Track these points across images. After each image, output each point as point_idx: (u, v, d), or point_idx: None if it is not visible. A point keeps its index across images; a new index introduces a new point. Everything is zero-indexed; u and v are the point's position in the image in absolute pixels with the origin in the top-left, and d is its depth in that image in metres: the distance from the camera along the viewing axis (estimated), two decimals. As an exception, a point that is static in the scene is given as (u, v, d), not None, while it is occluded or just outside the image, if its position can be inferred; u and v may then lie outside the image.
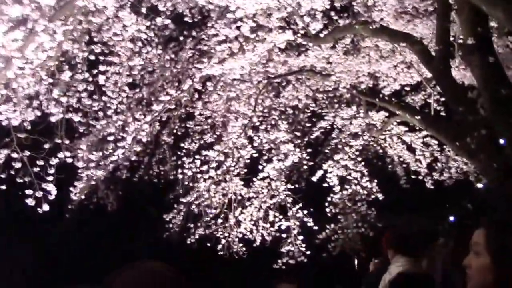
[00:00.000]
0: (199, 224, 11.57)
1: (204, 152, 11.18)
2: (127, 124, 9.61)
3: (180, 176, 11.27)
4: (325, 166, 12.26)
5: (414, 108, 10.94)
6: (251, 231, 12.27)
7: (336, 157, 12.03)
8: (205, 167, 11.13)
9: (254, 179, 12.19)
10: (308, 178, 12.66)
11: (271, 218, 12.27)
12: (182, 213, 11.51)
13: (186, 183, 11.40)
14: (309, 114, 12.63)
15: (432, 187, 12.48)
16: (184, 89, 10.37)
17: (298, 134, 12.35)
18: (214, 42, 9.76)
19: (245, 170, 12.14)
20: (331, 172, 12.09)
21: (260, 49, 9.21)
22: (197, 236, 11.63)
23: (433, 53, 8.17)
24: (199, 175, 11.23)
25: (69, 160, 8.13)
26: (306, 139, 12.61)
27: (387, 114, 11.75)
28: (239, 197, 12.20)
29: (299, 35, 8.96)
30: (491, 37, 7.38)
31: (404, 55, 10.31)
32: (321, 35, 9.07)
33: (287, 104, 11.95)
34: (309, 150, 12.46)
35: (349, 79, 10.69)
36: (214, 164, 11.22)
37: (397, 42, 9.05)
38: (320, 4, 8.15)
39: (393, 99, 10.97)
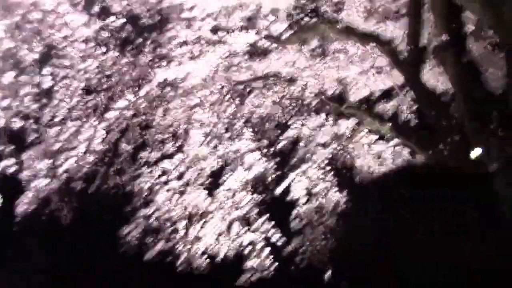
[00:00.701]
0: (158, 237, 10.93)
1: (164, 162, 10.59)
2: (80, 131, 9.00)
3: (138, 187, 10.64)
4: (291, 177, 11.72)
5: (383, 116, 10.48)
6: (213, 245, 11.67)
7: (303, 167, 11.49)
8: (164, 178, 10.54)
9: (218, 190, 11.60)
10: (274, 189, 12.08)
11: (235, 231, 11.69)
12: (140, 226, 10.84)
13: (145, 194, 10.78)
14: (276, 122, 12.06)
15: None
16: (143, 95, 9.81)
17: (264, 143, 11.80)
18: (174, 45, 9.24)
19: (208, 181, 11.56)
20: (297, 183, 11.54)
21: (221, 52, 8.69)
22: (156, 251, 10.97)
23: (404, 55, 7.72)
24: (158, 186, 10.63)
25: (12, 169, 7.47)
26: (272, 149, 12.04)
27: (356, 122, 11.25)
28: (201, 209, 11.61)
29: (262, 36, 8.44)
30: (466, 34, 6.92)
31: (374, 59, 9.84)
32: (285, 36, 8.54)
33: (253, 112, 11.39)
34: (276, 159, 11.91)
35: (316, 85, 10.19)
36: (174, 175, 10.64)
37: (366, 43, 8.59)
38: (283, 3, 7.65)
39: (362, 106, 10.49)
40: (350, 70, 10.13)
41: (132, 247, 10.74)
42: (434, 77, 9.40)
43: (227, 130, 11.29)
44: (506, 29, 5.58)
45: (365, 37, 8.39)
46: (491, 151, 6.00)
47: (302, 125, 11.91)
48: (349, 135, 11.53)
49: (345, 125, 11.39)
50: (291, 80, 10.32)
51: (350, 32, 8.29)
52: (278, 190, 11.67)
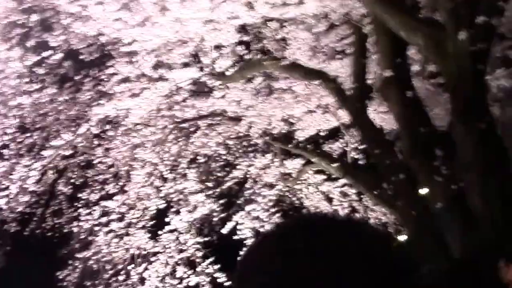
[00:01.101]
0: (97, 281, 10.45)
1: (103, 203, 10.19)
2: (11, 171, 8.57)
3: (76, 229, 10.19)
4: (236, 218, 11.41)
5: (331, 156, 10.29)
6: (157, 289, 11.26)
7: (248, 208, 11.21)
8: (104, 219, 10.14)
9: (161, 232, 11.22)
10: (220, 231, 11.73)
11: (179, 274, 11.29)
12: (77, 270, 10.36)
13: (83, 236, 10.33)
14: (222, 163, 11.79)
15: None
16: (80, 134, 9.45)
17: (210, 184, 11.51)
18: (114, 82, 8.94)
19: (151, 222, 11.18)
20: (242, 224, 11.24)
21: (163, 89, 8.42)
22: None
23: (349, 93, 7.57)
24: (97, 228, 10.20)
25: None
26: (218, 190, 11.75)
27: (303, 162, 11.06)
28: (144, 252, 11.20)
29: (204, 72, 8.20)
30: (410, 71, 6.78)
31: (320, 98, 9.69)
32: (229, 73, 8.32)
33: (197, 152, 11.09)
34: (222, 201, 11.62)
35: (261, 124, 9.97)
36: (115, 216, 10.25)
37: (310, 80, 8.42)
38: (227, 39, 7.44)
39: (309, 146, 10.28)
40: (295, 109, 9.94)
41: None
42: (380, 116, 9.30)
43: (170, 170, 10.94)
44: (449, 65, 5.46)
45: (310, 74, 8.21)
46: (434, 189, 5.84)
47: (249, 165, 11.67)
48: (296, 176, 11.31)
49: (292, 165, 11.18)
50: (236, 119, 10.08)
51: (294, 69, 8.10)
52: (225, 232, 11.35)
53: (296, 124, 10.50)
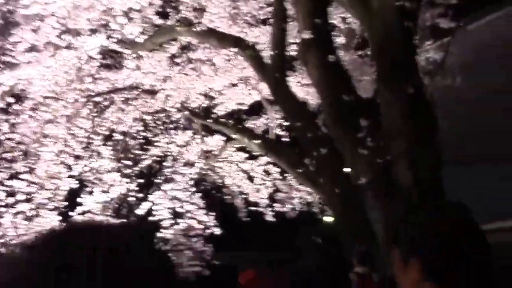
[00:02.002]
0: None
1: (10, 182, 9.45)
2: None
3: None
4: (155, 198, 10.85)
5: (253, 132, 9.87)
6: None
7: (165, 187, 10.68)
8: (11, 200, 9.41)
9: (74, 213, 10.56)
10: (137, 211, 11.14)
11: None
12: None
13: (-13, 218, 9.56)
14: (139, 139, 11.19)
15: (273, 219, 11.42)
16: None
17: (126, 162, 10.91)
18: (19, 51, 8.24)
19: (63, 204, 10.50)
20: (159, 204, 10.69)
21: (70, 58, 7.77)
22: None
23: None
24: (4, 209, 9.47)
25: None
26: (135, 168, 11.16)
27: (224, 138, 10.60)
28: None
29: (114, 40, 7.59)
30: (331, 33, 6.36)
31: (241, 71, 9.24)
32: (140, 40, 7.75)
33: (113, 128, 10.47)
34: (139, 180, 11.04)
35: (179, 98, 9.45)
36: (22, 197, 9.52)
37: (227, 47, 7.93)
38: (138, 3, 6.86)
39: (230, 122, 9.83)
40: (216, 82, 9.46)
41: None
42: (304, 90, 8.93)
43: (84, 147, 10.29)
44: (374, 22, 5.08)
45: (226, 40, 7.71)
46: (358, 163, 5.45)
47: (168, 142, 11.13)
48: (217, 153, 10.85)
49: (213, 142, 10.71)
50: (153, 92, 9.53)
51: (209, 35, 7.59)
52: (141, 213, 10.78)
53: (217, 98, 10.04)
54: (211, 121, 9.96)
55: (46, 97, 9.26)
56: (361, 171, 5.37)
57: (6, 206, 9.71)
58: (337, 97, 5.53)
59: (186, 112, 9.94)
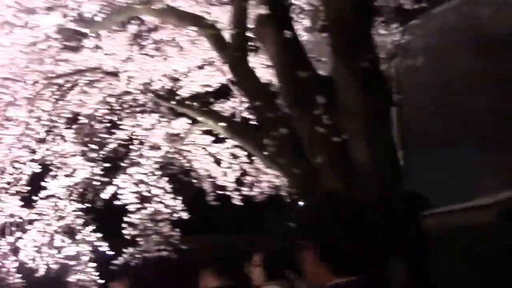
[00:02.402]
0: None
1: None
2: None
3: None
4: (120, 182, 10.66)
5: (219, 115, 9.69)
6: (33, 259, 10.40)
7: (130, 170, 10.49)
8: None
9: (36, 198, 10.36)
10: (102, 196, 10.93)
11: (57, 243, 10.49)
12: None
13: None
14: (104, 123, 10.96)
15: (241, 203, 11.28)
16: None
17: (90, 145, 10.70)
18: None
19: (25, 188, 10.28)
20: (124, 188, 10.51)
21: (24, 36, 7.54)
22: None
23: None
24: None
25: None
26: (100, 152, 10.94)
27: (190, 121, 10.41)
28: (18, 220, 10.31)
29: (70, 18, 7.36)
30: (289, 8, 6.19)
31: (206, 52, 9.03)
32: (98, 19, 7.53)
33: (76, 111, 10.23)
34: (104, 164, 10.83)
35: (142, 79, 9.24)
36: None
37: (186, 25, 7.75)
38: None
39: (195, 104, 9.65)
40: (179, 63, 9.26)
41: None
42: (267, 71, 8.74)
43: (46, 131, 10.06)
44: (332, 6, 4.94)
45: (186, 19, 7.51)
46: (315, 142, 5.30)
47: (134, 125, 10.92)
48: (182, 136, 10.66)
49: (179, 125, 10.52)
50: (115, 74, 9.30)
51: (169, 13, 7.37)
52: (106, 197, 10.59)
53: (181, 80, 9.85)
54: (176, 103, 9.76)
55: (4, 78, 9.01)
56: (318, 151, 5.23)
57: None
58: (294, 74, 5.37)
59: (150, 95, 9.72)
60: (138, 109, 11.02)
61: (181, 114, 10.31)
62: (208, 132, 10.73)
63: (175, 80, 9.78)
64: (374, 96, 4.64)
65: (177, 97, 9.74)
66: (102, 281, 10.59)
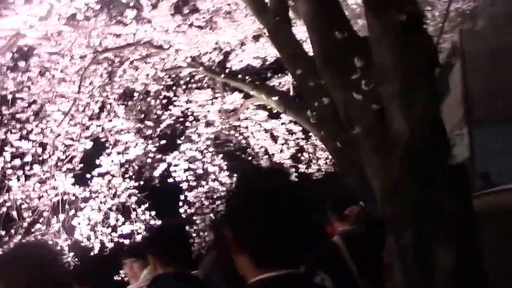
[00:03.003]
0: (13, 230, 9.42)
1: (18, 143, 9.11)
2: None
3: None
4: (174, 159, 10.39)
5: (271, 88, 9.23)
6: (87, 238, 10.27)
7: (183, 147, 10.19)
8: (21, 162, 9.09)
9: (90, 175, 10.21)
10: (154, 174, 10.68)
11: (112, 222, 10.31)
12: None
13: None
14: (156, 98, 10.71)
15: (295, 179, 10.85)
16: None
17: (147, 123, 10.47)
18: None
19: (78, 165, 10.14)
20: (177, 166, 10.23)
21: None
22: (10, 246, 9.46)
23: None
24: (12, 171, 9.14)
25: None
26: (155, 129, 10.71)
27: (242, 96, 10.03)
28: (72, 198, 10.17)
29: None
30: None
31: (255, 22, 8.57)
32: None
33: (128, 86, 9.98)
34: (157, 140, 10.59)
35: (192, 52, 8.90)
36: (35, 158, 9.17)
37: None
38: None
39: (247, 78, 9.24)
40: (230, 35, 8.86)
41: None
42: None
43: (99, 107, 9.88)
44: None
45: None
46: (352, 109, 4.74)
47: (187, 101, 10.62)
48: (236, 111, 10.28)
49: (233, 100, 10.14)
50: (165, 48, 8.99)
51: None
52: (157, 174, 10.34)
53: (233, 52, 9.46)
54: (226, 76, 9.38)
55: (52, 53, 8.84)
56: (355, 119, 4.69)
57: (18, 168, 9.38)
58: (329, 35, 4.82)
59: (201, 68, 9.37)
60: (191, 84, 10.74)
61: (236, 89, 9.93)
62: (263, 107, 10.32)
63: (226, 52, 9.40)
64: (414, 55, 4.04)
65: (230, 71, 9.36)
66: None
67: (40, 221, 9.66)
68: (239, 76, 9.28)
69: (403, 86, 4.03)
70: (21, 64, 8.96)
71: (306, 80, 5.85)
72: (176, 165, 10.30)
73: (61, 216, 9.73)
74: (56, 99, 9.51)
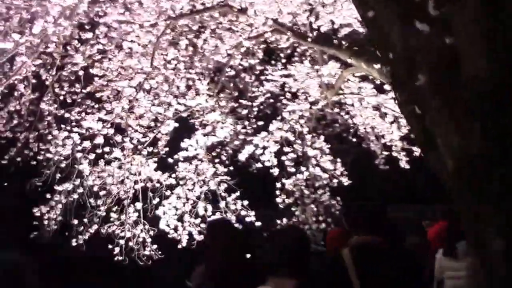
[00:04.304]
0: (86, 220, 8.54)
1: (86, 124, 8.22)
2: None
3: (54, 156, 8.29)
4: (268, 142, 9.09)
5: (373, 54, 7.66)
6: (174, 228, 9.23)
7: (272, 127, 8.87)
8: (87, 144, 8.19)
9: (174, 160, 9.15)
10: (246, 159, 9.39)
11: (201, 211, 9.19)
12: (60, 206, 8.42)
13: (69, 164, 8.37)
14: (243, 72, 9.48)
15: (407, 166, 9.19)
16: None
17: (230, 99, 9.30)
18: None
19: (162, 149, 9.14)
20: (265, 148, 8.91)
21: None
22: (86, 237, 8.63)
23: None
24: (79, 154, 8.25)
25: None
26: (245, 107, 9.51)
27: (339, 65, 8.57)
28: (157, 184, 9.17)
29: None
30: None
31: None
32: None
33: (210, 59, 8.81)
34: (247, 120, 9.39)
35: (271, 13, 7.57)
36: (101, 140, 8.24)
37: None
38: None
39: (344, 43, 7.78)
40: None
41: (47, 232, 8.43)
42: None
43: (179, 82, 8.78)
44: None
45: None
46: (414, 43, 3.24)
47: (282, 75, 9.30)
48: (334, 84, 8.79)
49: (329, 72, 8.70)
50: (244, 11, 7.73)
51: None
52: (242, 158, 9.09)
53: (321, 13, 8.02)
54: (319, 42, 7.97)
55: (118, 21, 7.86)
56: (418, 63, 3.20)
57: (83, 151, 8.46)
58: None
59: (289, 33, 8.00)
60: (283, 56, 9.44)
61: (332, 57, 8.50)
62: (366, 78, 8.78)
63: (315, 13, 7.98)
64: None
65: (316, 33, 7.94)
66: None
67: (115, 209, 8.73)
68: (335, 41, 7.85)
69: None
70: (88, 35, 8.07)
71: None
72: (265, 148, 8.99)
73: (138, 205, 8.76)
74: (133, 75, 8.52)
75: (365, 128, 9.70)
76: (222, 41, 8.58)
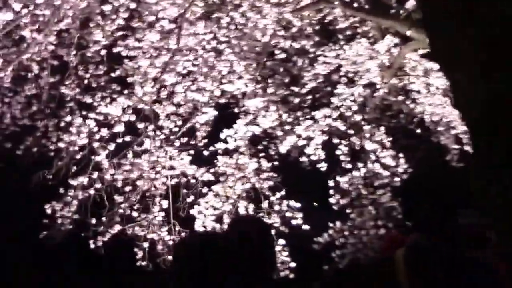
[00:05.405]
0: (104, 218, 7.58)
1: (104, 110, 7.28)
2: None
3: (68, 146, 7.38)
4: (299, 130, 7.92)
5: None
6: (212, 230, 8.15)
7: (318, 114, 7.66)
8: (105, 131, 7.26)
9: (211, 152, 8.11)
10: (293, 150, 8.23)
11: (241, 211, 8.09)
12: (76, 202, 7.47)
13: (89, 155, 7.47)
14: (284, 53, 8.30)
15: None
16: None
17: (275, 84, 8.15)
18: None
19: (199, 140, 8.13)
20: (311, 139, 7.70)
21: None
22: (108, 237, 7.66)
23: None
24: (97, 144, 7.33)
25: None
26: (293, 93, 8.35)
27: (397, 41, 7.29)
28: (193, 180, 8.15)
29: None
30: None
31: None
32: None
33: (248, 36, 7.70)
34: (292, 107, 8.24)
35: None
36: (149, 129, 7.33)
37: None
38: None
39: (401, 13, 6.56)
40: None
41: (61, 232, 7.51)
42: None
43: (215, 65, 7.71)
44: None
45: None
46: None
47: (335, 56, 8.07)
48: (393, 64, 7.50)
49: (382, 48, 7.43)
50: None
51: None
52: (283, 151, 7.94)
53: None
54: (373, 13, 6.74)
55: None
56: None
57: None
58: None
59: (337, 3, 6.78)
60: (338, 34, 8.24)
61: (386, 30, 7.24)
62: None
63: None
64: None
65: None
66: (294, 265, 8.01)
67: (137, 207, 7.75)
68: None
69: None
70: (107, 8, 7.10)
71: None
72: (310, 138, 7.80)
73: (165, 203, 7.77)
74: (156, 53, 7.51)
75: (431, 119, 8.32)
76: (263, 16, 7.46)
